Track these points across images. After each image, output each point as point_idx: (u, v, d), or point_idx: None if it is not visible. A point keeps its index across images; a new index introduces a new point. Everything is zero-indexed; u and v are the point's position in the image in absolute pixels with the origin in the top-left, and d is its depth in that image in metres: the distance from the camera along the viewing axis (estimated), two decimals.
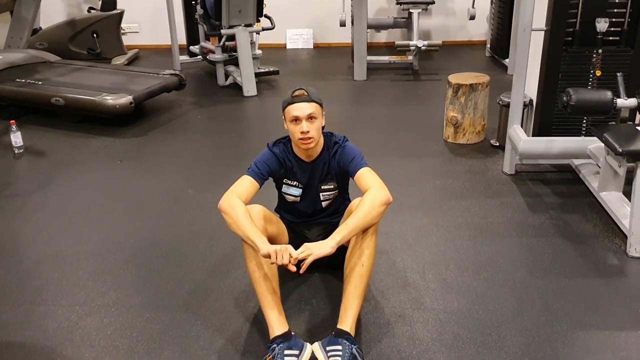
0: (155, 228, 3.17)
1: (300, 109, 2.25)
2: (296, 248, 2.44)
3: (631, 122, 3.11)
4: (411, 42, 5.89)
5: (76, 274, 2.76)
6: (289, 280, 2.60)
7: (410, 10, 6.17)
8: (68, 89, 4.81)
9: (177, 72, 5.30)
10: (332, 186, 2.49)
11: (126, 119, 4.76)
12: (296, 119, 2.26)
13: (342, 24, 6.28)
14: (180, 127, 4.79)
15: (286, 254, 2.01)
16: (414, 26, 6.14)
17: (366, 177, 2.25)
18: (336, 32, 6.76)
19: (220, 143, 4.46)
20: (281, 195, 2.55)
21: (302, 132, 2.26)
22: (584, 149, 3.30)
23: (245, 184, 2.30)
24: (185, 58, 6.48)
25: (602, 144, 2.93)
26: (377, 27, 6.92)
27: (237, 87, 5.65)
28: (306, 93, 2.28)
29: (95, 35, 6.58)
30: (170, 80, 5.09)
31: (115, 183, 3.76)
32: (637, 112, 3.07)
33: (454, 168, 3.78)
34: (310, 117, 2.26)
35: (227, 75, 5.82)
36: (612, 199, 3.08)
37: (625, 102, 2.94)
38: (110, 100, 4.52)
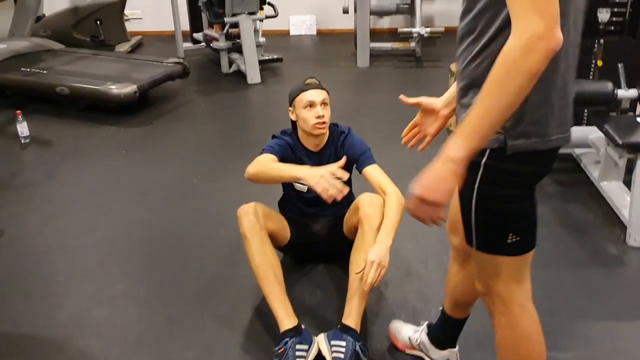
0: (161, 218, 3.22)
1: (315, 94, 2.35)
2: (300, 241, 2.49)
3: (632, 113, 3.13)
4: (414, 29, 5.89)
5: (84, 264, 2.81)
6: (293, 271, 2.65)
7: None
8: (72, 78, 4.84)
9: (181, 61, 5.32)
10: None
11: (131, 107, 4.78)
12: (311, 104, 2.34)
13: (345, 11, 6.27)
14: (184, 116, 4.83)
15: (335, 183, 2.02)
16: (416, 12, 6.13)
17: (378, 176, 2.35)
18: (339, 18, 6.75)
19: (225, 131, 4.50)
20: (289, 186, 2.57)
21: (317, 117, 2.33)
22: (585, 138, 3.32)
23: (267, 157, 2.34)
24: (188, 45, 6.49)
25: (603, 134, 2.96)
26: (380, 13, 6.91)
27: (241, 75, 5.67)
28: (317, 81, 2.39)
29: (98, 22, 6.58)
30: (174, 69, 5.12)
31: (121, 172, 3.80)
32: (638, 103, 3.09)
33: None
34: (324, 103, 2.36)
35: (230, 63, 5.84)
36: (612, 189, 3.11)
37: (625, 93, 2.97)
38: (115, 89, 4.55)
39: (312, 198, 2.55)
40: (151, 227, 3.12)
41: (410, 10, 6.43)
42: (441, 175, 1.26)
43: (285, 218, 2.56)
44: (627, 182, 3.04)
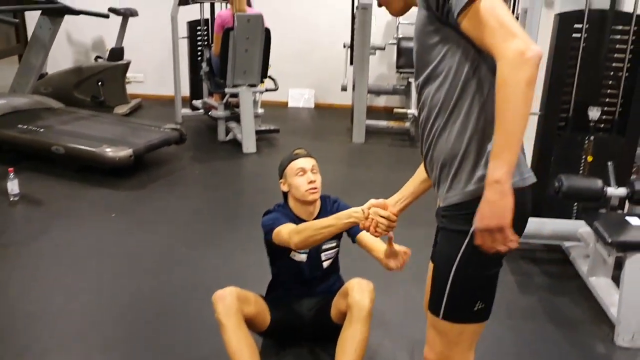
0: (147, 287, 3.17)
1: (305, 162, 2.43)
2: (283, 324, 2.45)
3: (621, 211, 3.17)
4: (409, 111, 6.02)
5: (64, 332, 2.74)
6: (274, 355, 2.60)
7: (410, 80, 6.33)
8: (69, 137, 4.87)
9: (178, 127, 5.37)
10: (333, 244, 2.53)
11: (125, 170, 4.79)
12: (302, 171, 2.39)
13: (344, 89, 6.43)
14: (177, 182, 4.84)
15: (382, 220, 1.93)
16: (412, 94, 6.28)
17: (373, 239, 2.36)
18: (337, 94, 6.89)
19: (217, 200, 4.50)
20: (285, 262, 2.51)
21: (309, 182, 2.38)
22: (575, 231, 3.35)
23: (290, 226, 2.28)
24: (187, 111, 6.57)
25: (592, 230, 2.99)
26: (377, 92, 7.09)
27: (237, 143, 5.73)
28: (305, 151, 2.47)
29: (100, 83, 6.70)
30: (171, 135, 5.17)
31: (110, 237, 3.77)
32: (627, 201, 3.13)
33: None
34: (314, 170, 2.42)
35: (227, 131, 5.90)
36: (601, 285, 3.11)
37: (615, 191, 3.01)
38: (111, 152, 4.57)
39: (305, 273, 2.51)
40: (136, 297, 3.07)
41: (406, 91, 6.60)
42: (493, 200, 1.35)
43: (272, 300, 2.51)
44: (616, 278, 3.04)
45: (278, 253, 2.49)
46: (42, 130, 5.05)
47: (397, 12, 1.64)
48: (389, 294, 3.14)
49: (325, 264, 2.56)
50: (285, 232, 2.25)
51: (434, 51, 1.46)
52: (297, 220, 2.45)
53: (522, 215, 1.54)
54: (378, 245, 2.34)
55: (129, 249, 3.61)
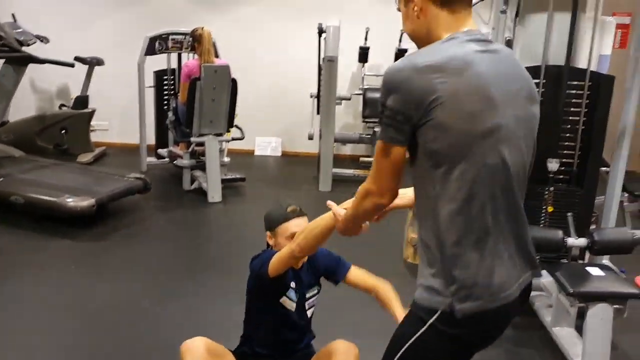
0: (106, 343, 3.07)
1: (299, 225, 2.21)
2: None
3: (582, 261, 3.22)
4: None
5: None
6: None
7: (375, 129, 6.43)
8: (29, 187, 4.77)
9: (143, 176, 5.30)
10: (315, 291, 2.45)
11: (87, 220, 4.70)
12: (295, 236, 2.20)
13: (310, 138, 6.48)
14: (141, 233, 4.76)
15: None
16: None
17: (363, 275, 2.44)
18: (304, 142, 6.95)
19: (181, 251, 4.43)
20: (273, 310, 2.35)
21: None
22: (537, 282, 3.38)
23: (286, 248, 2.14)
24: (152, 159, 6.52)
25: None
26: (343, 141, 7.16)
27: (202, 192, 5.68)
28: (298, 208, 2.28)
29: (64, 131, 6.63)
30: (135, 184, 5.10)
31: (70, 290, 3.66)
32: (587, 251, 3.19)
33: (413, 290, 3.79)
34: None
35: (192, 180, 5.87)
36: (564, 336, 3.13)
37: (575, 241, 3.07)
38: (72, 202, 4.48)
39: (292, 324, 2.38)
40: (96, 354, 2.97)
41: (371, 140, 6.68)
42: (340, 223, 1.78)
43: (242, 356, 2.40)
44: (579, 328, 3.06)
45: (266, 299, 2.33)
46: (1, 179, 4.94)
47: (407, 31, 1.60)
48: (357, 346, 3.09)
49: (309, 313, 2.44)
50: (286, 246, 2.11)
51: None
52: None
53: (490, 332, 1.58)
54: (371, 280, 2.37)
55: (89, 302, 3.51)
